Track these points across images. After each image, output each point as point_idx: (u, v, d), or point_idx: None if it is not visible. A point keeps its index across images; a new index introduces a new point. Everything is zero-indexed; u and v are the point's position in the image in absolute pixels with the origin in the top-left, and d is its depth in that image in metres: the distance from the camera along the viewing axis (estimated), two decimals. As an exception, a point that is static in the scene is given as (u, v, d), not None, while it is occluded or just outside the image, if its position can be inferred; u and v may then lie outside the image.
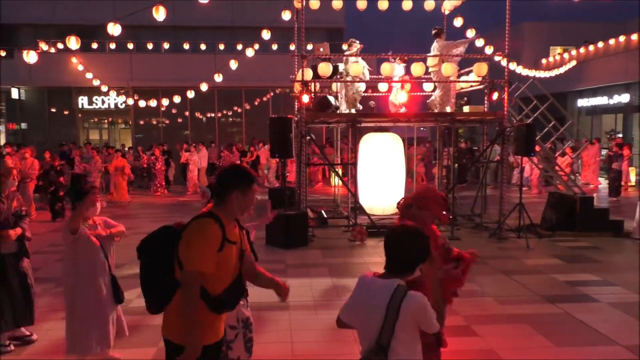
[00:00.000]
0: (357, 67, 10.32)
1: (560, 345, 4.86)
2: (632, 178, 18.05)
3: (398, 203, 3.88)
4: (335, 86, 12.09)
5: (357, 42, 10.76)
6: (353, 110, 10.67)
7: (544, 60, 27.71)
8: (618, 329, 5.24)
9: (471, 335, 5.10)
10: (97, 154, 15.90)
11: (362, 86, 10.97)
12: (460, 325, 5.33)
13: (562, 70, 22.05)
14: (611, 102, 24.21)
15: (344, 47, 11.35)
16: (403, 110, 11.13)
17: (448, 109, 10.69)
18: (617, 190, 15.09)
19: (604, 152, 19.07)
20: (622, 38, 22.77)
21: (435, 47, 10.71)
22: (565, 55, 26.07)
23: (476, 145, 20.95)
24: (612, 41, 23.38)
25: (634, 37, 21.82)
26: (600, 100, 24.95)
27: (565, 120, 13.09)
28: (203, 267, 2.50)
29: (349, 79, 10.52)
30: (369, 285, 2.50)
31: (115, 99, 23.83)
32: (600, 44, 24.11)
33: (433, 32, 10.84)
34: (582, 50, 25.31)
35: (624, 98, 23.30)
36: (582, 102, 26.33)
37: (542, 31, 29.32)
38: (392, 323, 2.31)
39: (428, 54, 10.77)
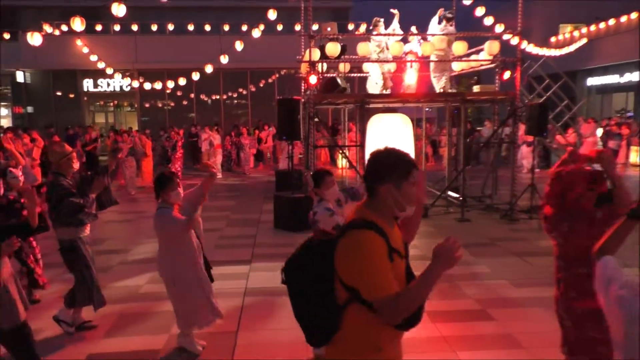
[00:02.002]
0: (366, 47, 10.13)
1: (576, 329, 4.78)
2: (633, 157, 17.63)
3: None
4: (343, 66, 11.90)
5: (382, 21, 10.53)
6: (387, 91, 10.52)
7: (553, 39, 27.22)
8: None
9: (487, 319, 5.03)
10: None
11: (392, 66, 10.79)
12: (475, 309, 5.27)
13: (572, 48, 21.63)
14: (622, 80, 23.83)
15: (350, 27, 11.11)
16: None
17: (443, 86, 10.53)
18: None
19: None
20: (634, 15, 22.26)
21: (444, 29, 10.45)
22: (576, 33, 25.60)
23: (480, 125, 20.73)
24: (623, 18, 22.88)
25: (647, 13, 21.36)
26: (611, 79, 24.57)
27: (576, 100, 12.87)
28: (386, 290, 1.95)
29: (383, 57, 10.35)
30: None
31: (120, 82, 23.71)
32: (612, 21, 23.62)
33: (449, 15, 10.57)
34: (592, 27, 24.83)
35: (635, 76, 22.92)
36: (592, 81, 25.95)
37: (551, 8, 28.74)
38: None
39: (437, 33, 10.53)
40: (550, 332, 4.76)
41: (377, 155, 2.14)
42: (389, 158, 2.11)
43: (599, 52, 23.91)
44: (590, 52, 23.58)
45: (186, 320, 4.35)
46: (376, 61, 10.54)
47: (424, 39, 10.61)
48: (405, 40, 10.69)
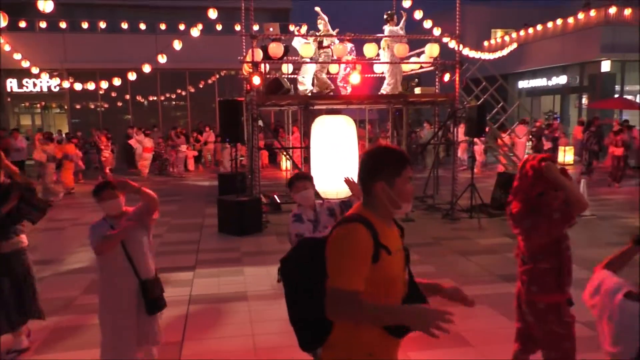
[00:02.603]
0: (309, 48, 10.07)
1: (521, 324, 4.90)
2: (569, 158, 18.66)
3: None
4: (285, 67, 11.80)
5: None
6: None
7: (486, 43, 28.36)
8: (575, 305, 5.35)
9: (434, 318, 5.07)
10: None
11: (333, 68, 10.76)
12: (423, 308, 5.29)
13: (504, 52, 22.58)
14: (550, 83, 25.15)
15: (292, 27, 11.04)
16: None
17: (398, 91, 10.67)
18: None
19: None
20: (559, 21, 23.58)
21: (386, 31, 10.58)
22: (506, 38, 26.78)
23: (416, 128, 21.22)
24: (550, 24, 24.18)
25: (571, 20, 22.64)
26: (540, 82, 25.88)
27: (509, 101, 13.41)
28: (348, 283, 1.85)
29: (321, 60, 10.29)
30: None
31: (48, 82, 22.40)
32: (539, 27, 24.89)
33: (385, 16, 10.69)
34: (522, 33, 26.06)
35: (562, 80, 24.25)
36: (523, 84, 27.24)
37: (483, 14, 29.98)
38: None
39: (379, 34, 10.65)
40: (496, 329, 4.88)
41: (369, 153, 2.09)
42: (380, 155, 2.05)
43: (528, 57, 25.13)
44: (520, 56, 24.74)
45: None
46: (320, 62, 10.51)
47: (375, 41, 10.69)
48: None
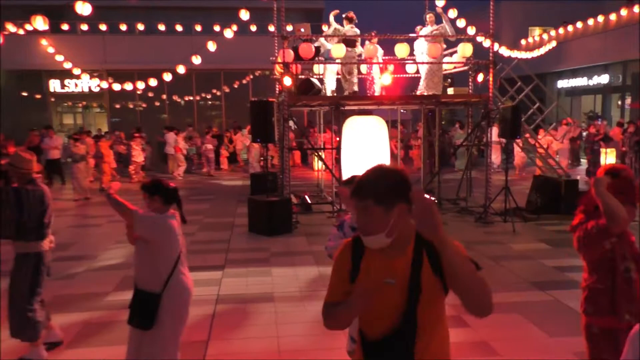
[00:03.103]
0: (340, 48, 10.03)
1: (553, 335, 4.75)
2: (610, 160, 18.01)
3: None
4: (317, 68, 11.80)
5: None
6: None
7: (523, 41, 27.66)
8: None
9: (462, 326, 4.96)
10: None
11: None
12: (450, 315, 5.16)
13: (542, 51, 21.99)
14: (590, 83, 24.33)
15: (324, 28, 11.03)
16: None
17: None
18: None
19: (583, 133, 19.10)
20: (600, 18, 22.76)
21: (434, 31, 10.44)
22: (545, 36, 26.04)
23: (448, 129, 20.87)
24: (590, 21, 23.37)
25: (613, 17, 21.83)
26: (580, 82, 25.07)
27: (546, 102, 13.04)
28: (330, 296, 2.05)
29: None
30: None
31: (88, 82, 23.11)
32: (579, 25, 24.09)
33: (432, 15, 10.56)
34: (561, 30, 25.29)
35: (603, 79, 23.43)
36: (562, 84, 26.44)
37: (520, 11, 29.22)
38: None
39: (411, 34, 10.52)
40: (525, 338, 4.74)
41: (383, 171, 1.97)
42: (376, 178, 1.92)
43: (568, 55, 24.37)
44: (559, 55, 24.02)
45: None
46: (356, 63, 10.47)
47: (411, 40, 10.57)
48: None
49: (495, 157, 15.42)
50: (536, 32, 28.95)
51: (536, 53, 21.36)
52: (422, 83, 10.64)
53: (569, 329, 4.88)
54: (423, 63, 10.43)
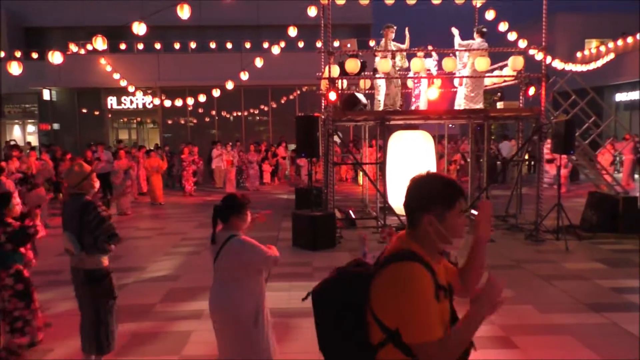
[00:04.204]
0: (386, 63, 10.02)
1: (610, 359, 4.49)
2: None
3: None
4: (363, 83, 11.81)
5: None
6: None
7: (579, 54, 26.75)
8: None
9: (511, 347, 4.76)
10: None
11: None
12: (498, 335, 5.00)
13: (599, 63, 21.18)
14: (651, 96, 23.20)
15: (372, 43, 11.04)
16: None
17: (480, 105, 10.31)
18: None
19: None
20: (662, 29, 21.73)
21: (481, 44, 10.28)
22: (602, 48, 25.09)
23: (498, 142, 20.31)
24: (651, 32, 22.35)
25: (676, 27, 20.79)
26: (640, 95, 23.95)
27: (603, 116, 12.50)
28: (434, 333, 1.74)
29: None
30: None
31: (143, 99, 24.07)
32: (639, 36, 23.07)
33: (484, 29, 10.40)
34: (619, 42, 24.30)
35: (665, 92, 22.29)
36: (620, 97, 25.36)
37: (576, 23, 28.35)
38: None
39: (460, 48, 10.37)
40: (580, 363, 4.49)
41: (418, 181, 1.92)
42: (431, 186, 1.88)
43: (627, 68, 23.37)
44: (618, 67, 23.07)
45: None
46: (399, 77, 10.41)
47: (453, 54, 10.43)
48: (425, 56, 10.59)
49: (550, 167, 14.78)
50: (593, 44, 27.94)
51: (592, 66, 20.58)
52: (462, 97, 10.47)
53: (626, 354, 4.60)
54: (471, 77, 10.24)
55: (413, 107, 10.81)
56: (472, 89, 10.32)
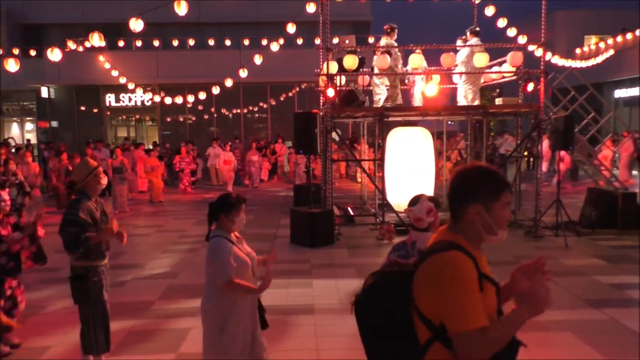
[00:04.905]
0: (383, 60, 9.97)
1: (609, 356, 4.46)
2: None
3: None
4: (361, 79, 11.77)
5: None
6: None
7: (578, 50, 26.70)
8: (672, 338, 4.80)
9: (510, 343, 4.74)
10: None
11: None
12: (498, 332, 4.97)
13: (598, 59, 21.13)
14: (651, 92, 23.16)
15: (371, 40, 11.00)
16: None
17: (477, 102, 10.28)
18: None
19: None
20: (662, 25, 21.69)
21: (471, 42, 10.27)
22: (601, 44, 25.04)
23: (495, 139, 20.27)
24: (651, 28, 22.30)
25: (676, 23, 20.74)
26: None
27: (602, 112, 12.47)
28: (475, 321, 1.68)
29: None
30: None
31: (142, 96, 23.99)
32: (639, 32, 23.02)
33: (477, 29, 10.40)
34: (619, 38, 24.24)
35: (665, 88, 22.25)
36: (620, 93, 25.33)
37: (576, 20, 28.30)
38: None
39: (458, 45, 10.34)
40: (580, 358, 4.46)
41: (463, 173, 1.91)
42: (477, 176, 1.87)
43: (627, 64, 23.33)
44: (618, 63, 23.02)
45: None
46: (397, 74, 10.37)
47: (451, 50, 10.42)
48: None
49: (544, 166, 14.74)
50: (592, 40, 27.89)
51: (592, 62, 20.54)
52: (461, 93, 10.45)
53: (626, 350, 4.58)
54: (470, 73, 10.21)
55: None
56: (471, 87, 10.30)
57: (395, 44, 10.38)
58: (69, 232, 3.93)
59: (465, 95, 10.37)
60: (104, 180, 4.29)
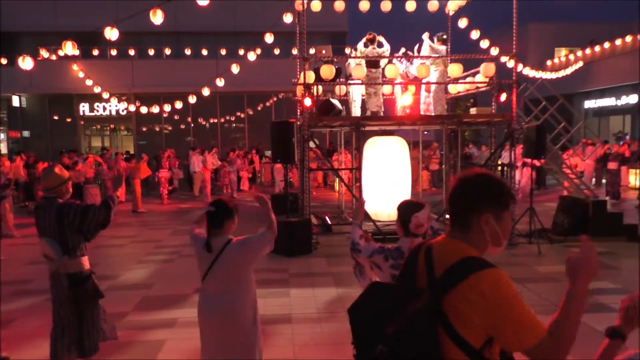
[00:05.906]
0: (360, 69, 10.09)
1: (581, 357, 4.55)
2: (632, 180, 17.27)
3: None
4: (338, 89, 11.86)
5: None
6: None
7: (549, 62, 27.42)
8: (641, 341, 4.92)
9: (485, 349, 4.80)
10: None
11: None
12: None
13: (568, 71, 21.76)
14: (619, 103, 23.89)
15: (347, 50, 11.13)
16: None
17: (445, 112, 10.49)
18: (616, 192, 14.64)
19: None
20: (629, 38, 22.46)
21: (438, 51, 10.48)
22: (571, 57, 25.78)
23: (476, 148, 20.61)
24: (618, 41, 23.07)
25: (641, 36, 21.50)
26: (608, 102, 24.64)
27: (573, 122, 12.80)
28: (542, 330, 1.65)
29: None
30: None
31: (116, 106, 23.73)
32: (607, 45, 23.79)
33: (444, 37, 10.62)
34: (588, 51, 24.99)
35: (632, 99, 22.98)
36: (589, 104, 26.04)
37: (547, 32, 29.08)
38: None
39: (433, 55, 10.52)
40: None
41: (467, 180, 1.79)
42: (486, 184, 1.77)
43: (595, 75, 24.04)
44: (587, 75, 23.71)
45: None
46: (377, 83, 10.49)
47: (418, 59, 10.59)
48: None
49: (525, 182, 14.86)
50: (562, 52, 28.68)
51: (562, 73, 21.12)
52: (423, 105, 10.69)
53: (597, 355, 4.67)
54: (442, 84, 10.39)
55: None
56: (435, 97, 10.51)
57: (378, 53, 10.46)
58: (94, 214, 4.01)
59: (430, 106, 10.56)
60: (70, 191, 4.27)
